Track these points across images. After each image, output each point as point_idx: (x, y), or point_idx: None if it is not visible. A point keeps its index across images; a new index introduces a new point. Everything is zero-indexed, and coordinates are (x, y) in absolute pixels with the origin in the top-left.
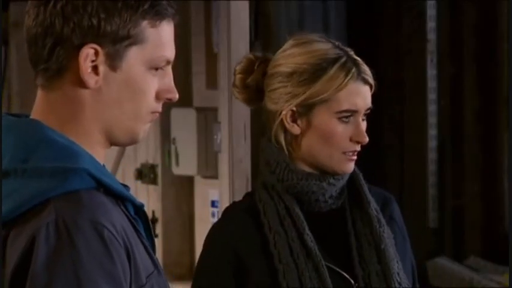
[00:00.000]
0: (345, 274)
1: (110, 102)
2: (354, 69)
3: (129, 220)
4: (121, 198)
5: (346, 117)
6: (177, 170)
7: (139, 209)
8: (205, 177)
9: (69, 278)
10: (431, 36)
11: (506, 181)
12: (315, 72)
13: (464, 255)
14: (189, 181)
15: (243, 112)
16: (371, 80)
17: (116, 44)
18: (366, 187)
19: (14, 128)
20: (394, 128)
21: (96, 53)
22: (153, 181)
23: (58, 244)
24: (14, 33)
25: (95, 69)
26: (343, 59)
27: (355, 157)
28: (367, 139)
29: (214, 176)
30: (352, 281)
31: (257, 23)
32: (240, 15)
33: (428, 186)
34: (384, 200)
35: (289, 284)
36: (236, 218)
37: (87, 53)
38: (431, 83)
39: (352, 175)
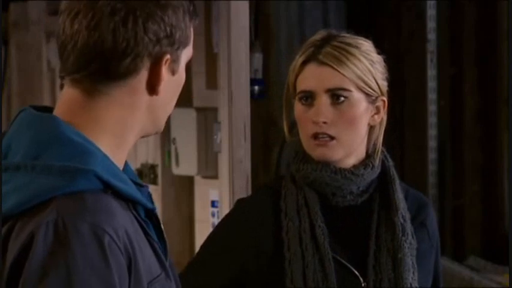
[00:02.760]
0: (356, 272)
1: (161, 105)
2: (310, 50)
3: (139, 223)
4: (131, 201)
5: (306, 98)
6: (177, 170)
7: (150, 211)
8: (205, 177)
9: (61, 280)
10: (431, 36)
11: (506, 181)
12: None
13: (464, 255)
14: (189, 181)
15: (243, 112)
16: (329, 61)
17: (178, 49)
18: (398, 192)
19: (33, 123)
20: (394, 128)
21: (166, 61)
22: (153, 181)
23: (54, 245)
24: (14, 33)
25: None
26: (308, 45)
27: (324, 143)
28: (320, 118)
29: (214, 176)
30: (361, 279)
31: (257, 23)
32: (240, 15)
33: (428, 186)
34: (420, 205)
35: (293, 274)
36: (260, 200)
37: (164, 62)
38: (431, 83)
39: (386, 177)
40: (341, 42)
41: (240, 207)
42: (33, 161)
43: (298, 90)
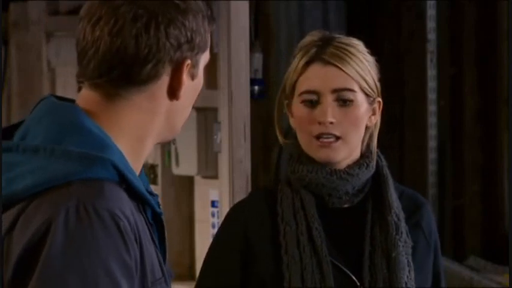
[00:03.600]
0: (351, 275)
1: (180, 110)
2: (311, 52)
3: (146, 224)
4: (141, 200)
5: (310, 101)
6: (177, 170)
7: (157, 215)
8: (205, 177)
9: (85, 265)
10: (431, 36)
11: (506, 181)
12: (291, 65)
13: (464, 255)
14: (189, 181)
15: (243, 112)
16: (335, 61)
17: (197, 54)
18: (391, 191)
19: (54, 110)
20: (394, 128)
21: (187, 66)
22: (153, 181)
23: (78, 230)
24: (14, 33)
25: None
26: (309, 46)
27: (328, 143)
28: (327, 119)
29: (214, 176)
30: (358, 283)
31: (257, 23)
32: (240, 15)
33: (428, 186)
34: (415, 206)
35: (292, 275)
36: (256, 202)
37: (185, 67)
38: (431, 83)
39: (379, 177)
40: (341, 42)
41: (238, 208)
42: (54, 145)
43: (301, 90)
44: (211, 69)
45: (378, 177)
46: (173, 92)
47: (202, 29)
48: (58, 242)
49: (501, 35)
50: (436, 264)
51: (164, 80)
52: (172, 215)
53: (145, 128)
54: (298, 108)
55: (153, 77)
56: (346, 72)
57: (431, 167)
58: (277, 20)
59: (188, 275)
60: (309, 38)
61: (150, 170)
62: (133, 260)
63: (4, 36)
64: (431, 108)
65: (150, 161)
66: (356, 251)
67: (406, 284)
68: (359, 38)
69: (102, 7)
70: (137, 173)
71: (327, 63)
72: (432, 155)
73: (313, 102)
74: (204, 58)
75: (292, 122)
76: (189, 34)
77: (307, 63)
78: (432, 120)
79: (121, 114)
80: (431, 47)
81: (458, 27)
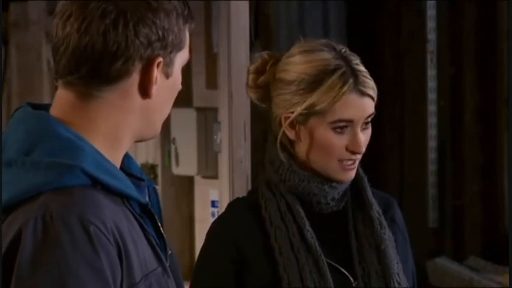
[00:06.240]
0: (345, 272)
1: (156, 109)
2: (350, 81)
3: (135, 218)
4: (125, 196)
5: (341, 127)
6: (177, 170)
7: (144, 207)
8: (205, 177)
9: (52, 273)
10: (431, 36)
11: (506, 181)
12: (312, 83)
13: (464, 255)
14: (189, 181)
15: (243, 112)
16: (370, 92)
17: (171, 53)
18: (369, 190)
19: (26, 120)
20: (394, 128)
21: (158, 64)
22: (153, 181)
23: (44, 239)
24: (14, 33)
25: (155, 79)
26: (341, 71)
27: (353, 166)
28: (362, 149)
29: (214, 176)
30: (352, 279)
31: (257, 23)
32: (240, 15)
33: (428, 186)
34: (386, 204)
35: (290, 277)
36: (238, 212)
37: (156, 65)
38: (431, 83)
39: (356, 178)
40: (360, 62)
41: (222, 221)
42: (24, 157)
43: (335, 118)
44: (211, 69)
45: (355, 179)
46: (145, 90)
47: (176, 28)
48: (27, 253)
49: (501, 35)
50: (411, 258)
51: (135, 78)
52: (172, 215)
53: (120, 126)
54: (325, 133)
55: (123, 74)
56: (374, 100)
57: (431, 167)
58: (277, 20)
59: (188, 275)
60: (325, 58)
61: (150, 170)
62: (106, 263)
63: (4, 36)
64: (431, 108)
65: (150, 161)
66: (345, 249)
67: (397, 275)
68: (359, 38)
69: (74, 4)
70: (118, 163)
71: (363, 93)
72: (432, 155)
73: (342, 128)
74: (181, 57)
75: (293, 135)
76: (160, 32)
77: (342, 93)
78: (432, 120)
79: (94, 112)
80: (431, 47)
81: (458, 27)
